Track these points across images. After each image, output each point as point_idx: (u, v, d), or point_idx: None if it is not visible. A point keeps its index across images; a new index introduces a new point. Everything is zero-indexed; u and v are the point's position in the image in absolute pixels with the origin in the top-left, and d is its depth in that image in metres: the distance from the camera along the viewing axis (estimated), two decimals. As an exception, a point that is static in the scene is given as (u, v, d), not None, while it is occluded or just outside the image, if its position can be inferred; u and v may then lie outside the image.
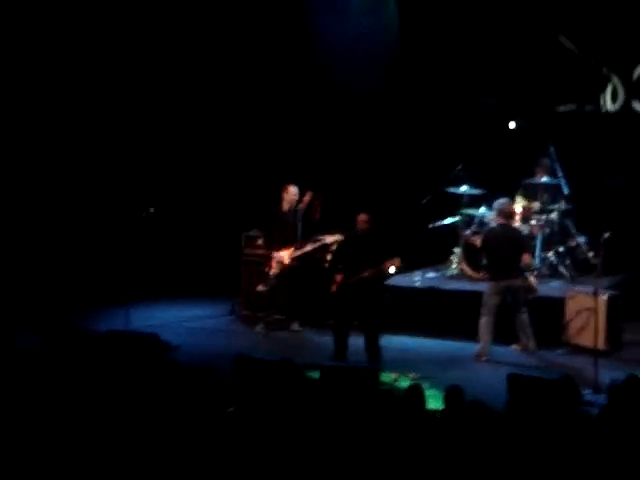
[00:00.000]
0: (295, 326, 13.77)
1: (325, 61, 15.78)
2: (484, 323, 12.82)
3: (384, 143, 16.18)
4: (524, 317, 12.84)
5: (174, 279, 15.57)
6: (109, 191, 16.12)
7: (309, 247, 13.56)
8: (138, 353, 11.04)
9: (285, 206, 13.75)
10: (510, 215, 13.25)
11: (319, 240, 13.64)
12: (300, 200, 13.77)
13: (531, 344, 12.80)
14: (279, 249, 13.56)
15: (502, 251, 12.88)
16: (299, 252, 13.57)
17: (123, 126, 16.28)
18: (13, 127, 15.50)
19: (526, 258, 12.93)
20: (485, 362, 12.56)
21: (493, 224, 13.39)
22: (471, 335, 13.04)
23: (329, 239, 13.57)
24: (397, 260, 12.20)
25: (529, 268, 13.01)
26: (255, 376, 10.03)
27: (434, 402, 9.48)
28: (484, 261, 13.49)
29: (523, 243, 13.15)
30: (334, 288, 12.31)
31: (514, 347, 12.94)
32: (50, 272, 15.20)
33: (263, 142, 16.49)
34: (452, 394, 8.41)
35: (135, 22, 16.06)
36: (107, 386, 9.27)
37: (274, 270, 13.53)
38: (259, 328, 13.66)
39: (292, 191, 13.71)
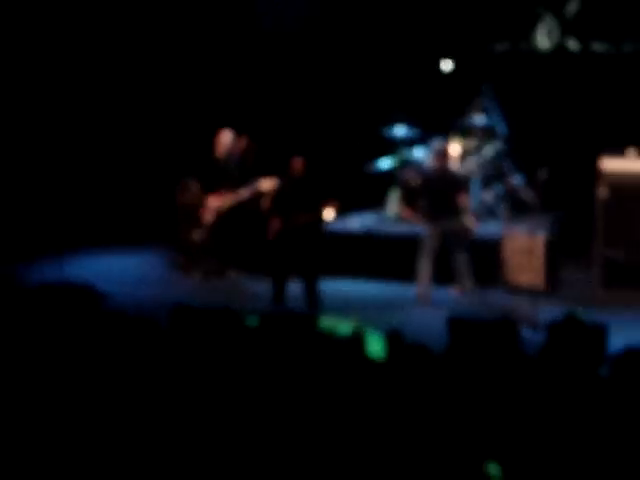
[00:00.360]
0: (232, 273, 13.65)
1: (252, 3, 15.56)
2: (422, 265, 12.81)
3: (317, 86, 16.02)
4: (462, 258, 12.85)
5: (109, 228, 15.36)
6: (45, 137, 15.78)
7: (244, 194, 13.43)
8: (73, 304, 10.89)
9: (220, 152, 13.60)
10: (446, 156, 13.19)
11: (254, 186, 13.51)
12: (235, 145, 13.61)
13: (469, 285, 12.83)
14: (214, 196, 13.41)
15: (440, 193, 12.85)
16: (234, 199, 13.43)
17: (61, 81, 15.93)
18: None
19: (464, 199, 12.93)
20: (426, 304, 12.58)
21: (430, 165, 13.33)
22: (410, 278, 13.05)
23: (264, 185, 13.45)
24: (334, 204, 12.13)
25: (467, 209, 13.01)
26: (193, 324, 9.95)
27: (375, 346, 9.46)
28: (422, 203, 13.41)
29: (460, 184, 13.13)
30: (271, 234, 12.21)
31: (453, 289, 12.96)
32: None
33: (195, 88, 16.24)
34: (393, 338, 8.38)
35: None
36: (41, 339, 9.13)
37: (209, 218, 13.39)
38: (195, 276, 13.55)
39: (227, 136, 13.53)
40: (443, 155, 13.06)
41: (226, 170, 13.51)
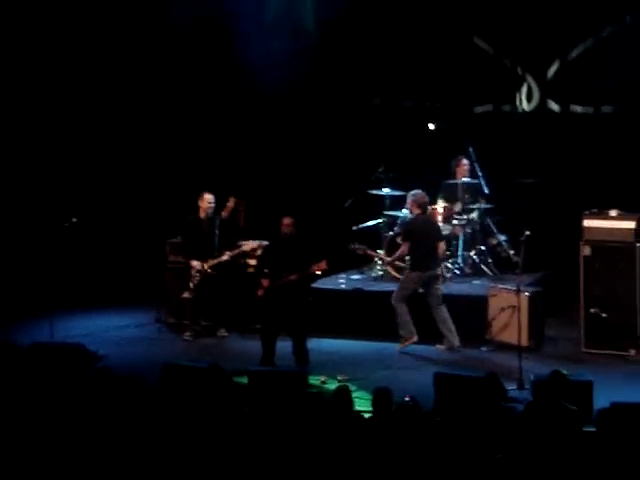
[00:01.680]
0: (222, 332, 13.75)
1: (243, 66, 15.77)
2: (404, 310, 12.96)
3: (305, 146, 16.23)
4: (444, 311, 13.01)
5: (98, 288, 15.45)
6: (30, 201, 15.94)
7: (226, 256, 13.54)
8: (64, 364, 10.97)
9: (202, 214, 13.69)
10: (425, 205, 13.37)
11: (237, 248, 13.65)
12: (217, 207, 13.70)
13: (455, 340, 12.96)
14: (197, 258, 13.52)
15: (424, 241, 13.06)
16: (216, 261, 13.54)
17: (43, 135, 16.11)
18: None
19: (442, 247, 13.18)
20: (412, 360, 12.65)
21: (410, 215, 13.47)
22: (397, 336, 13.15)
23: (246, 246, 13.58)
24: (323, 263, 12.28)
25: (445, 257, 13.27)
26: (183, 383, 10.04)
27: (362, 404, 9.58)
28: (408, 250, 13.40)
29: (439, 232, 13.39)
30: (261, 292, 12.34)
31: (438, 346, 13.08)
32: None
33: (184, 148, 16.44)
34: (380, 396, 8.49)
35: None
36: (33, 399, 9.20)
37: (194, 279, 13.49)
38: (186, 336, 13.62)
39: (207, 198, 13.63)
40: (423, 204, 13.25)
41: (208, 232, 13.57)
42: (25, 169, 15.97)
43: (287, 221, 12.46)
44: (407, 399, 8.64)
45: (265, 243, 13.38)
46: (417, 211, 13.25)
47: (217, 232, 13.53)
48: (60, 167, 16.17)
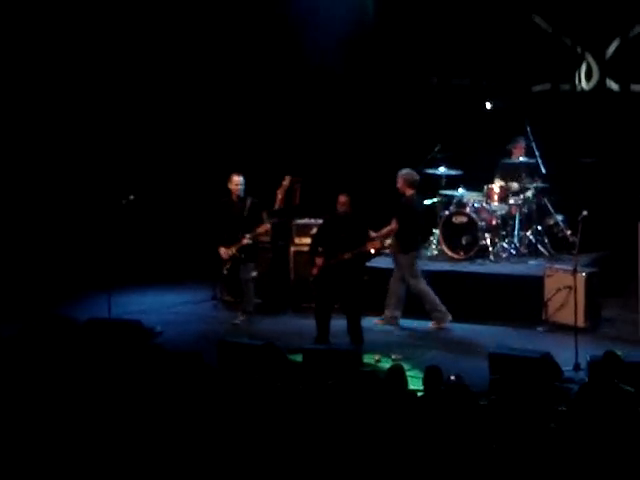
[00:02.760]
0: (239, 317, 13.51)
1: (299, 43, 15.76)
2: (428, 290, 13.03)
3: (362, 125, 16.20)
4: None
5: (156, 265, 15.58)
6: (89, 178, 16.09)
7: (246, 240, 13.38)
8: (121, 340, 11.09)
9: (233, 196, 13.54)
10: (416, 183, 13.23)
11: (254, 232, 13.32)
12: (250, 188, 13.56)
13: (446, 316, 13.06)
14: (224, 242, 13.37)
15: (418, 221, 13.12)
16: (238, 245, 13.43)
17: (103, 115, 16.24)
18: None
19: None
20: (466, 340, 12.62)
21: (408, 195, 13.23)
22: (453, 315, 13.13)
23: (261, 228, 13.39)
24: (378, 242, 12.26)
25: None
26: (238, 361, 10.11)
27: (416, 383, 9.58)
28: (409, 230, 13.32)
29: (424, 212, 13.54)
30: (315, 271, 12.36)
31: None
32: (30, 260, 15.18)
33: (241, 125, 16.48)
34: (430, 374, 8.49)
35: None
36: (91, 374, 9.32)
37: (226, 266, 13.42)
38: (238, 320, 13.53)
39: (234, 180, 13.41)
40: (415, 183, 13.12)
41: (237, 214, 13.39)
42: (83, 147, 16.11)
43: (343, 199, 12.44)
44: (452, 378, 8.65)
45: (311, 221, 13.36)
46: (410, 191, 13.15)
47: (246, 214, 13.41)
48: (117, 145, 16.30)
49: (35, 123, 15.76)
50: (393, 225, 12.97)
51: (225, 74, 16.38)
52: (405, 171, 13.20)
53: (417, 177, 13.24)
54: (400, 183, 13.18)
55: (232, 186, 13.43)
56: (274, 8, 15.90)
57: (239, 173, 13.47)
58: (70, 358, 9.77)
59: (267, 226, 13.42)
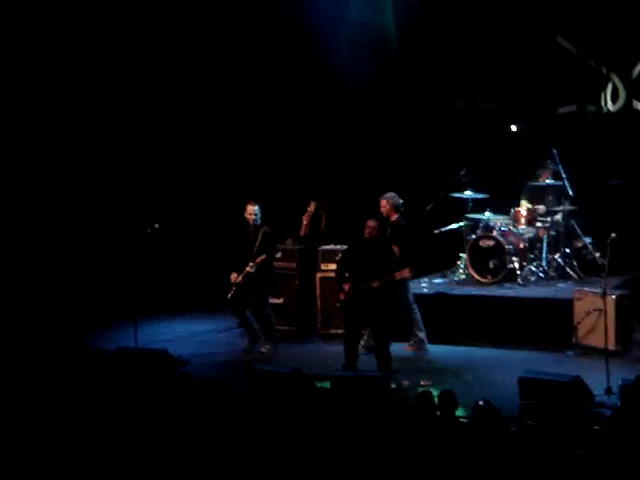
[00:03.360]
0: (264, 346, 13.46)
1: (325, 69, 15.76)
2: (419, 315, 13.00)
3: (387, 149, 16.18)
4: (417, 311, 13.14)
5: (181, 293, 15.57)
6: (114, 207, 16.12)
7: (249, 267, 13.30)
8: (149, 369, 11.05)
9: (249, 225, 13.48)
10: (401, 207, 13.19)
11: (255, 261, 13.29)
12: (265, 217, 13.55)
13: (424, 340, 13.06)
14: (237, 269, 13.36)
15: (414, 243, 13.03)
16: (242, 274, 13.37)
17: (128, 144, 16.29)
18: (20, 139, 15.47)
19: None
20: (495, 365, 12.51)
21: (396, 219, 13.14)
22: (481, 340, 13.06)
23: (258, 259, 13.32)
24: (407, 270, 12.16)
25: None
26: (265, 388, 10.04)
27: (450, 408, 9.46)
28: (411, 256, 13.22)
29: None
30: (342, 297, 12.28)
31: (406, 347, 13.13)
32: (57, 289, 15.19)
33: (266, 153, 16.49)
34: (445, 399, 8.42)
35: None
36: (120, 403, 9.29)
37: (230, 291, 13.39)
38: (264, 349, 13.49)
39: (247, 209, 13.43)
40: (400, 207, 13.07)
41: (251, 242, 13.39)
42: (109, 176, 16.15)
43: (372, 224, 12.33)
44: (481, 403, 8.55)
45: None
46: (396, 215, 13.09)
47: (257, 243, 13.34)
48: (144, 174, 16.33)
49: (62, 152, 15.81)
50: (396, 251, 12.83)
51: (251, 102, 16.39)
52: (390, 194, 13.14)
53: (401, 201, 13.18)
54: (387, 207, 13.11)
55: (247, 215, 13.47)
56: (300, 33, 15.91)
57: (254, 202, 13.47)
58: (98, 388, 9.75)
59: (264, 257, 13.34)
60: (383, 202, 13.11)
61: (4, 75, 15.38)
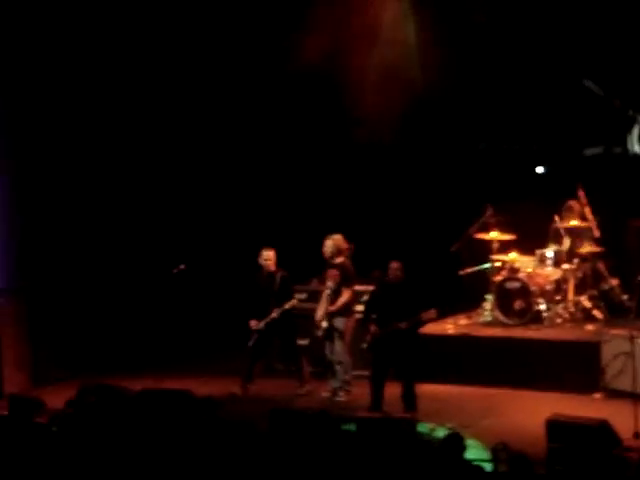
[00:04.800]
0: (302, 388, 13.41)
1: (350, 113, 15.81)
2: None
3: (412, 191, 16.21)
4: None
5: (207, 333, 15.57)
6: (139, 248, 16.17)
7: (274, 314, 13.32)
8: (173, 410, 11.03)
9: (263, 271, 13.55)
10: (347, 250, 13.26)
11: (282, 307, 13.33)
12: (276, 263, 13.57)
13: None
14: (255, 315, 13.39)
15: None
16: (266, 320, 13.38)
17: (152, 186, 16.37)
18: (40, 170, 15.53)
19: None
20: (522, 407, 12.43)
21: (341, 260, 13.19)
22: (507, 382, 12.99)
23: (288, 305, 13.33)
24: (433, 311, 12.15)
25: None
26: (292, 429, 10.01)
27: (472, 451, 9.42)
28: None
29: None
30: (369, 338, 12.29)
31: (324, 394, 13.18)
32: (82, 329, 15.21)
33: (291, 192, 16.55)
34: (450, 442, 8.35)
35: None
36: (145, 444, 9.27)
37: (252, 338, 13.40)
38: (302, 391, 13.39)
39: (262, 255, 13.49)
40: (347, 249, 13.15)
41: (265, 288, 13.42)
42: (135, 219, 16.20)
43: (395, 265, 12.39)
44: (499, 447, 8.50)
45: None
46: (341, 258, 13.11)
47: (276, 288, 13.37)
48: (169, 216, 16.39)
49: (83, 193, 15.88)
50: (349, 294, 12.99)
51: (271, 145, 16.47)
52: (337, 236, 13.17)
53: (346, 245, 13.21)
54: (331, 249, 13.13)
55: (262, 261, 13.53)
56: (317, 74, 15.97)
57: (269, 248, 13.54)
58: (123, 428, 9.73)
59: (294, 302, 13.40)
60: (327, 243, 13.20)
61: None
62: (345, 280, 13.08)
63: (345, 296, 13.05)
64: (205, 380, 13.76)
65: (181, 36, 15.80)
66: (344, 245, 13.22)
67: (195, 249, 16.00)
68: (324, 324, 13.12)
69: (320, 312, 13.21)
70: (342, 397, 13.04)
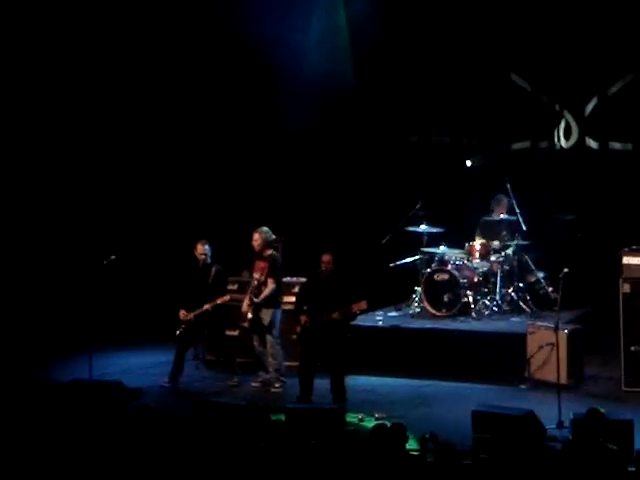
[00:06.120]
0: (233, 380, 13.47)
1: (280, 103, 15.84)
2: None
3: (343, 184, 16.28)
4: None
5: (136, 325, 15.51)
6: (70, 239, 16.07)
7: (207, 306, 13.32)
8: (103, 401, 11.02)
9: (199, 263, 13.51)
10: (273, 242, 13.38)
11: (214, 300, 13.29)
12: (216, 256, 13.58)
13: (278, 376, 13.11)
14: (186, 306, 13.38)
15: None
16: (198, 311, 13.38)
17: (83, 176, 16.28)
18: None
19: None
20: (450, 398, 12.58)
21: (270, 253, 13.26)
22: (435, 373, 13.13)
23: (219, 300, 13.34)
24: (364, 302, 12.26)
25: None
26: (220, 420, 10.05)
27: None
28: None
29: None
30: (299, 329, 12.36)
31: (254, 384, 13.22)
32: (10, 320, 15.09)
33: (222, 184, 16.53)
34: (395, 433, 8.45)
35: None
36: (72, 436, 9.25)
37: (180, 328, 13.42)
38: (233, 382, 13.43)
39: (197, 248, 13.47)
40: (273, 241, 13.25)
41: (200, 280, 13.37)
42: (64, 207, 16.10)
43: (326, 258, 12.50)
44: (427, 436, 8.64)
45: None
46: (269, 250, 13.22)
47: (210, 281, 13.41)
48: (98, 206, 16.31)
49: (19, 177, 15.75)
50: (273, 285, 13.04)
51: (205, 136, 16.44)
52: (264, 229, 13.26)
53: (274, 237, 13.32)
54: (259, 241, 13.20)
55: (197, 254, 13.52)
56: (256, 69, 16.00)
57: (204, 241, 13.52)
58: (52, 420, 9.70)
59: (227, 298, 13.42)
60: (256, 236, 13.24)
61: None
62: (273, 272, 13.12)
63: (270, 288, 13.09)
64: (135, 371, 13.79)
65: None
66: (272, 237, 13.27)
67: (125, 240, 15.95)
68: (249, 315, 13.15)
69: (246, 303, 13.26)
70: (277, 388, 13.09)
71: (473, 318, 14.24)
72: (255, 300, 13.13)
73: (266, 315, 13.11)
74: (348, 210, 16.24)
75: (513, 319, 14.24)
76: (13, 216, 15.72)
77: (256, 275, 13.22)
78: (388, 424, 9.08)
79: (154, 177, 16.54)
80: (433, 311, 14.39)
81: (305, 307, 12.45)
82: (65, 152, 16.06)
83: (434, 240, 14.90)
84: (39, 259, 15.85)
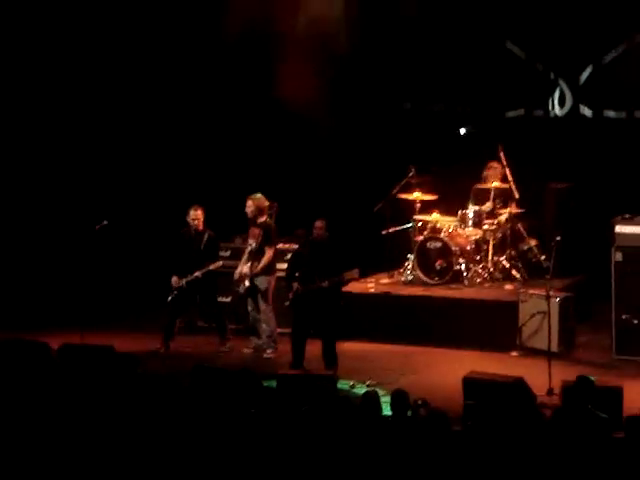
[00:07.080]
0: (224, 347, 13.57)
1: (274, 72, 15.79)
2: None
3: (336, 151, 16.25)
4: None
5: (130, 290, 15.51)
6: (62, 204, 16.05)
7: (197, 273, 13.38)
8: (96, 365, 11.03)
9: (191, 229, 13.58)
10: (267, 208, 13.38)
11: (205, 267, 13.40)
12: (210, 222, 13.60)
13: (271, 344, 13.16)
14: (178, 272, 13.44)
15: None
16: (188, 279, 13.45)
17: (74, 139, 16.23)
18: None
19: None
20: (441, 365, 12.64)
21: (264, 220, 13.28)
22: (426, 340, 13.18)
23: (212, 265, 13.39)
24: (356, 271, 12.28)
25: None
26: (213, 385, 10.08)
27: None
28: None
29: None
30: (291, 296, 12.39)
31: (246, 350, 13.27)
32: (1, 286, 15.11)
33: (216, 150, 16.51)
34: (398, 399, 8.50)
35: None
36: (64, 399, 9.27)
37: (172, 294, 13.45)
38: (224, 348, 13.52)
39: (190, 214, 13.50)
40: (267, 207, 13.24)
41: (192, 246, 13.45)
42: (56, 173, 16.06)
43: (319, 224, 12.48)
44: (419, 402, 8.68)
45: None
46: (263, 217, 13.21)
47: (202, 248, 13.44)
48: (93, 170, 16.28)
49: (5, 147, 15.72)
50: (271, 253, 13.05)
51: (199, 101, 16.40)
52: (257, 196, 13.25)
53: (267, 204, 13.30)
54: (252, 208, 13.20)
55: (189, 219, 13.53)
56: (248, 37, 15.93)
57: (197, 206, 13.53)
58: (44, 383, 9.72)
59: (219, 263, 13.44)
60: (249, 202, 13.23)
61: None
62: (267, 239, 13.13)
63: (268, 255, 13.10)
64: (127, 336, 13.81)
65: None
66: (266, 204, 13.26)
67: (118, 205, 15.92)
68: (247, 283, 13.17)
69: (240, 269, 13.26)
70: (270, 354, 13.13)
71: (465, 286, 14.26)
72: (254, 271, 13.10)
73: (262, 282, 13.13)
74: (341, 177, 16.22)
75: (505, 287, 14.26)
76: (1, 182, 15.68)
77: (251, 241, 13.24)
78: (379, 391, 9.15)
79: (148, 142, 16.48)
80: (425, 279, 14.41)
81: (297, 274, 12.46)
82: (56, 117, 16.00)
83: (427, 208, 14.90)
84: (32, 226, 15.82)
